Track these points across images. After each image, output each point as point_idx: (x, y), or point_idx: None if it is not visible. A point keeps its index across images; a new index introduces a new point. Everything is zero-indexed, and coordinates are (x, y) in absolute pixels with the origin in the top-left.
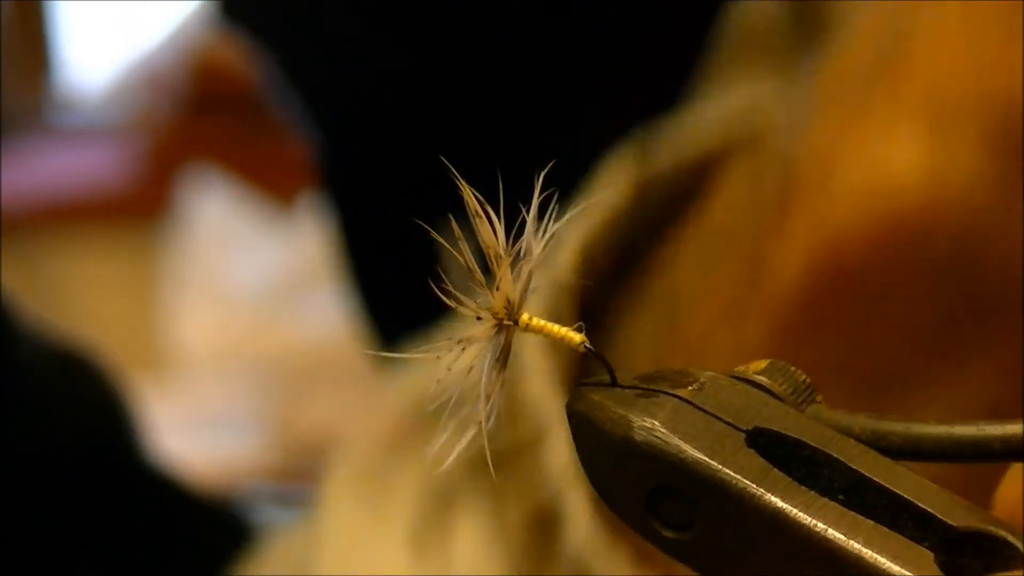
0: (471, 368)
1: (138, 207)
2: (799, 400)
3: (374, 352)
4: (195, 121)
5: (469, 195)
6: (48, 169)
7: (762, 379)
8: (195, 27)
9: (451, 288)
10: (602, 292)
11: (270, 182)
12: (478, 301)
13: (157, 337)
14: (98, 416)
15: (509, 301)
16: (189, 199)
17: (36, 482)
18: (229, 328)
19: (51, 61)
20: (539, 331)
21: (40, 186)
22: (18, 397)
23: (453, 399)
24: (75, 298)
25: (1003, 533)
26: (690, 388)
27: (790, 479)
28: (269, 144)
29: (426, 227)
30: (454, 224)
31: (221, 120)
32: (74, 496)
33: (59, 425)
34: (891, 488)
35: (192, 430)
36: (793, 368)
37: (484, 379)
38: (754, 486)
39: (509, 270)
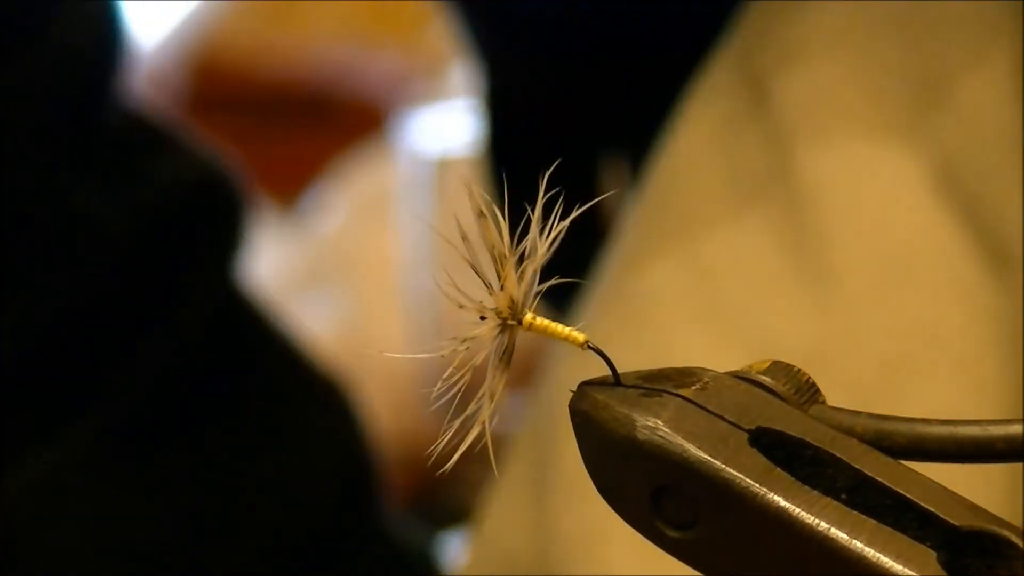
0: (475, 367)
1: None
2: (802, 400)
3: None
4: (196, 121)
5: (473, 196)
6: None
7: (765, 379)
8: (195, 27)
9: (454, 287)
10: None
11: (270, 182)
12: (482, 301)
13: None
14: (343, 459)
15: (513, 301)
16: None
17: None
18: None
19: None
20: (543, 331)
21: None
22: (260, 421)
23: (457, 398)
24: None
25: (1005, 533)
26: (693, 388)
27: (793, 479)
28: (269, 144)
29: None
30: (458, 223)
31: (222, 120)
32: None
33: (298, 458)
34: (894, 488)
35: None
36: (796, 368)
37: (488, 379)
38: (757, 485)
39: (514, 270)
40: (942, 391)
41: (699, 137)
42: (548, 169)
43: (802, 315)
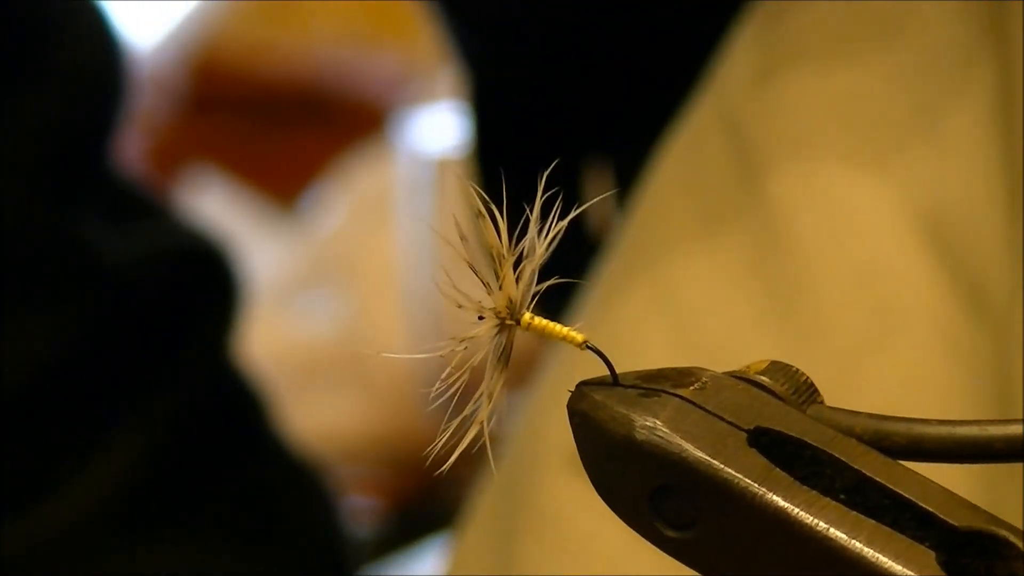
0: (473, 368)
1: None
2: (801, 400)
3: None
4: (195, 121)
5: (472, 196)
6: None
7: (763, 379)
8: (195, 27)
9: (453, 287)
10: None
11: (270, 182)
12: (481, 301)
13: None
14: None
15: (511, 301)
16: (189, 199)
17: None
18: None
19: None
20: (541, 331)
21: None
22: (250, 509)
23: (456, 398)
24: None
25: (1004, 533)
26: (692, 388)
27: (792, 479)
28: (269, 144)
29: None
30: (456, 223)
31: (221, 120)
32: None
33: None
34: (893, 488)
35: None
36: (794, 368)
37: (486, 379)
38: (756, 485)
39: (512, 270)
40: None
41: (676, 174)
42: (542, 171)
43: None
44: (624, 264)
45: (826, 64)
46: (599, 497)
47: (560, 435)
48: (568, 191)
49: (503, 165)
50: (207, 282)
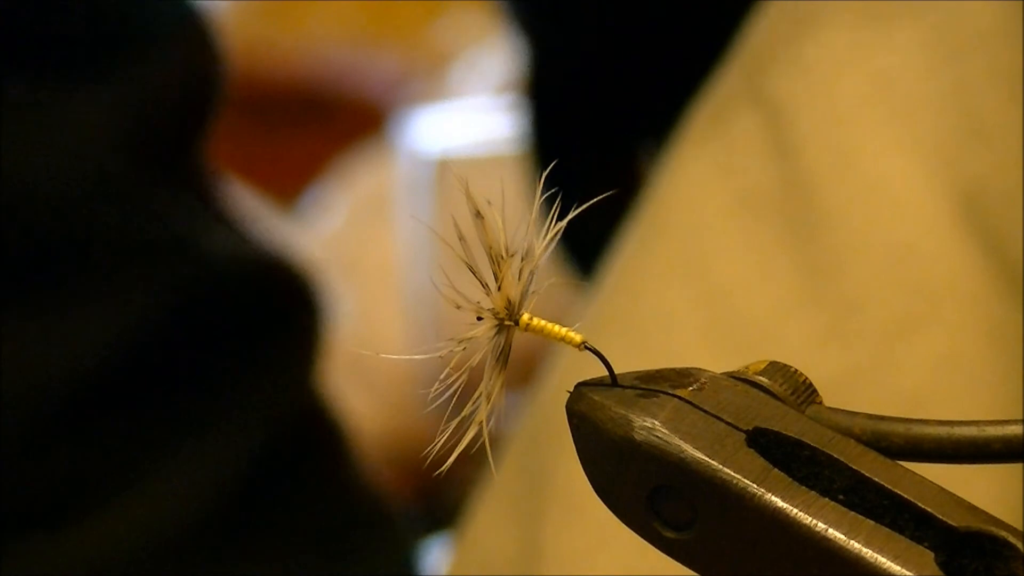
0: (472, 368)
1: None
2: (799, 400)
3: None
4: None
5: (471, 196)
6: None
7: (762, 380)
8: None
9: (452, 288)
10: None
11: (270, 181)
12: (479, 301)
13: None
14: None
15: (510, 301)
16: None
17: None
18: None
19: None
20: (539, 331)
21: None
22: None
23: (455, 399)
24: None
25: (1003, 533)
26: (690, 388)
27: (790, 479)
28: (268, 144)
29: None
30: (456, 224)
31: (222, 119)
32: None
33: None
34: (891, 488)
35: None
36: (793, 369)
37: (485, 379)
38: (755, 486)
39: (510, 270)
40: None
41: (705, 155)
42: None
43: (822, 343)
44: (650, 242)
45: (861, 40)
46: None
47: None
48: (623, 176)
49: (560, 150)
50: (296, 301)
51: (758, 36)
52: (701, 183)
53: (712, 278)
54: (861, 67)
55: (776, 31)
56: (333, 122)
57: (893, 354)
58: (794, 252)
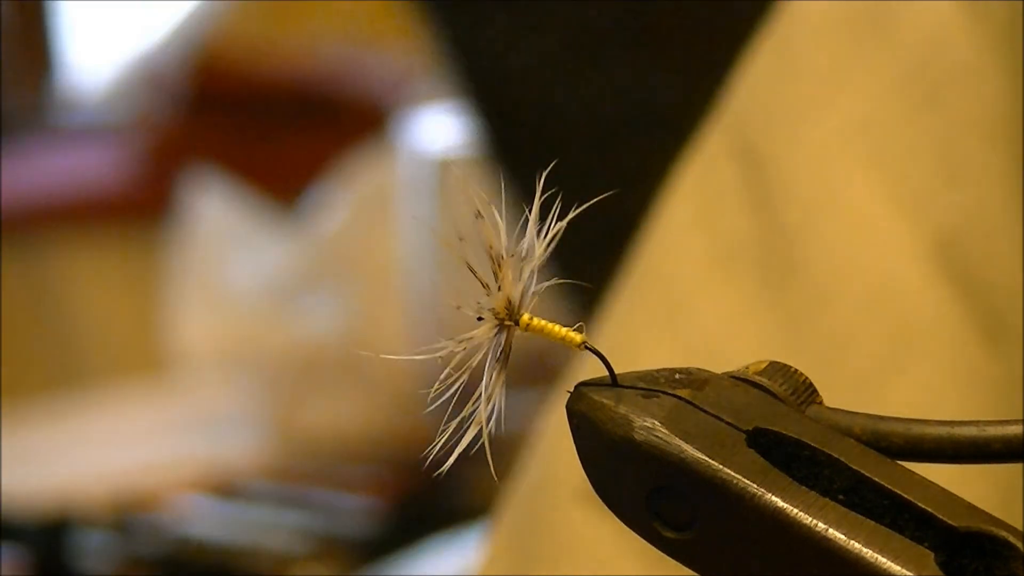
0: (472, 369)
1: (138, 207)
2: (799, 401)
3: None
4: (196, 121)
5: (472, 196)
6: (48, 169)
7: (762, 380)
8: (196, 27)
9: (452, 287)
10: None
11: (271, 182)
12: (479, 302)
13: (157, 336)
14: None
15: (510, 302)
16: (189, 199)
17: None
18: (229, 328)
19: (51, 61)
20: (540, 331)
21: (40, 186)
22: None
23: (455, 399)
24: (74, 297)
25: (1004, 533)
26: (691, 388)
27: (790, 479)
28: (270, 144)
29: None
30: (456, 224)
31: (222, 120)
32: None
33: None
34: (891, 488)
35: (192, 430)
36: (793, 369)
37: (485, 380)
38: (755, 486)
39: (511, 271)
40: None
41: (687, 208)
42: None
43: None
44: (636, 296)
45: (840, 87)
46: (609, 518)
47: (571, 463)
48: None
49: (518, 160)
50: None
51: (742, 90)
52: (682, 235)
53: (692, 330)
54: (838, 114)
55: (758, 84)
56: (334, 122)
57: (873, 397)
58: (773, 301)
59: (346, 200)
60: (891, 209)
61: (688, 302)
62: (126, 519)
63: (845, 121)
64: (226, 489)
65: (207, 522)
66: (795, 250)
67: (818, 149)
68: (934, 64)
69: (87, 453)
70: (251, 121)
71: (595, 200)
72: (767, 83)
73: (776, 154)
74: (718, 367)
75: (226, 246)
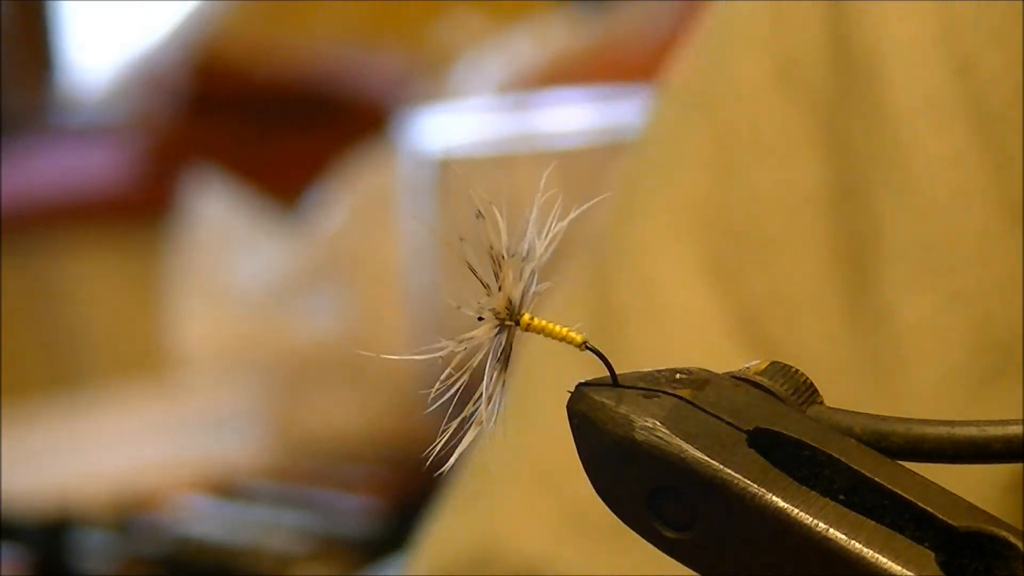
0: (473, 369)
1: (139, 207)
2: (800, 401)
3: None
4: (196, 121)
5: (473, 195)
6: (49, 169)
7: (763, 380)
8: (196, 27)
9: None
10: None
11: (272, 182)
12: (480, 302)
13: (157, 337)
14: None
15: (511, 301)
16: (190, 199)
17: None
18: (229, 328)
19: (52, 61)
20: (541, 331)
21: (41, 186)
22: None
23: (455, 400)
24: (75, 297)
25: (1004, 533)
26: (691, 388)
27: (791, 479)
28: (271, 144)
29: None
30: (457, 224)
31: (222, 120)
32: None
33: None
34: (892, 488)
35: (193, 430)
36: (794, 369)
37: (486, 380)
38: (755, 486)
39: (512, 270)
40: None
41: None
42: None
43: None
44: (519, 402)
45: (669, 172)
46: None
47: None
48: None
49: None
50: None
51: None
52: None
53: (530, 429)
54: (664, 193)
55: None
56: (334, 122)
57: None
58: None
59: (346, 200)
60: (702, 288)
61: (536, 394)
62: (126, 519)
63: (670, 203)
64: (226, 489)
65: (207, 522)
66: (625, 339)
67: (644, 233)
68: (742, 132)
69: (87, 453)
70: (251, 121)
71: (595, 200)
72: (617, 189)
73: (609, 239)
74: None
75: (226, 246)
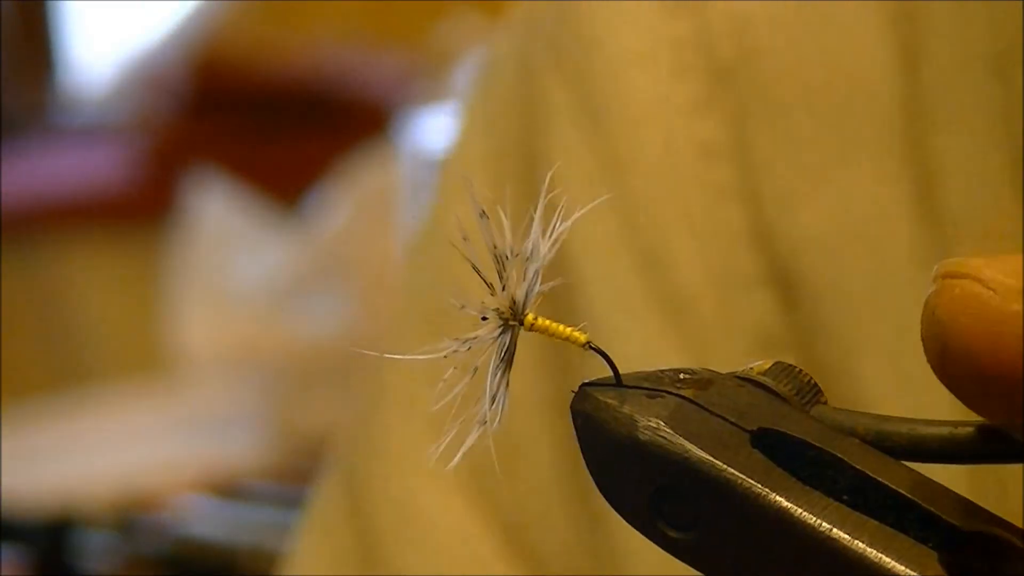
0: (476, 368)
1: (140, 207)
2: (804, 401)
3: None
4: (197, 121)
5: (476, 194)
6: (50, 169)
7: (767, 380)
8: (197, 27)
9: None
10: None
11: (273, 183)
12: (484, 301)
13: (158, 337)
14: None
15: (514, 301)
16: (191, 199)
17: None
18: (230, 328)
19: (53, 61)
20: (544, 331)
21: (42, 186)
22: None
23: (457, 400)
24: (75, 298)
25: (1007, 534)
26: (695, 388)
27: (795, 479)
28: (271, 144)
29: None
30: (460, 223)
31: (223, 120)
32: None
33: None
34: (895, 488)
35: (193, 430)
36: (798, 369)
37: (489, 380)
38: (759, 486)
39: (515, 270)
40: None
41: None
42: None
43: None
44: None
45: (409, 405)
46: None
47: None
48: None
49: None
50: None
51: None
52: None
53: None
54: (410, 421)
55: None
56: (335, 123)
57: None
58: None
59: (348, 200)
60: (458, 502)
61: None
62: (127, 519)
63: (425, 424)
64: (227, 489)
65: (208, 522)
66: (383, 555)
67: (401, 451)
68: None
69: (88, 453)
70: (252, 122)
71: (598, 200)
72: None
73: (362, 467)
74: None
75: (227, 247)
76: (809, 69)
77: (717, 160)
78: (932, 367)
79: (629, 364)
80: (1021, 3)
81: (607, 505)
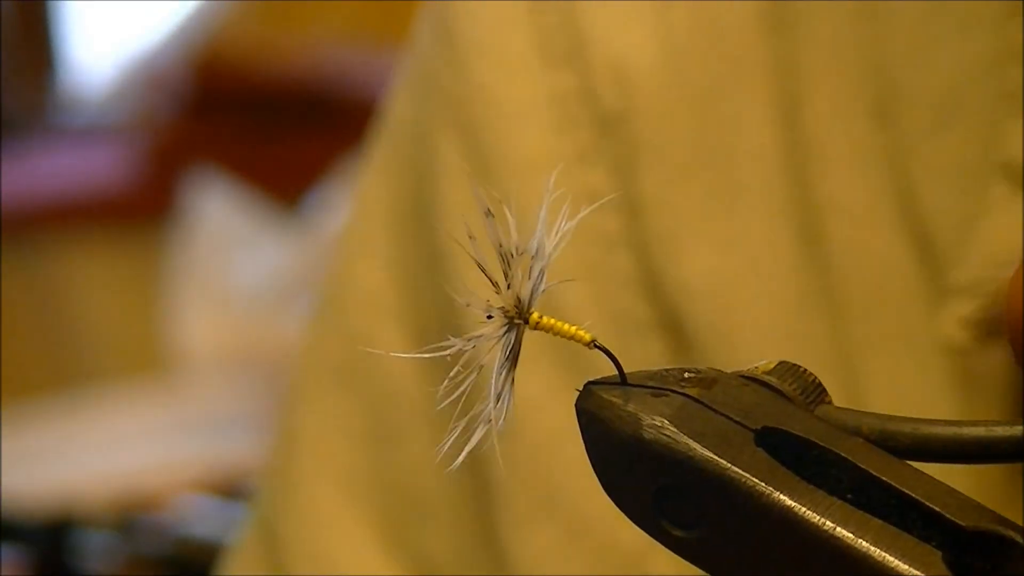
0: (481, 367)
1: (140, 207)
2: (808, 400)
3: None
4: (197, 121)
5: (482, 194)
6: (50, 169)
7: (771, 379)
8: (197, 27)
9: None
10: None
11: (273, 183)
12: (489, 300)
13: (158, 337)
14: None
15: (520, 300)
16: (191, 200)
17: None
18: (231, 328)
19: (54, 61)
20: (549, 329)
21: (42, 186)
22: None
23: (463, 398)
24: (76, 298)
25: (1011, 533)
26: (700, 387)
27: (798, 478)
28: (271, 145)
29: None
30: (466, 223)
31: (224, 120)
32: None
33: None
34: (899, 487)
35: (194, 431)
36: (802, 369)
37: (494, 378)
38: (763, 484)
39: (520, 269)
40: None
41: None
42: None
43: None
44: None
45: (326, 446)
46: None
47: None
48: None
49: None
50: None
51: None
52: None
53: None
54: (326, 467)
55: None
56: (335, 122)
57: None
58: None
59: (347, 200)
60: (381, 556)
61: None
62: (128, 519)
63: (337, 477)
64: (228, 489)
65: (209, 522)
66: (281, 552)
67: (316, 506)
68: (392, 411)
69: (89, 453)
70: (252, 122)
71: (602, 201)
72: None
73: (280, 524)
74: None
75: (227, 247)
76: (691, 116)
77: (606, 209)
78: None
79: (524, 411)
80: (901, 49)
81: (518, 545)
